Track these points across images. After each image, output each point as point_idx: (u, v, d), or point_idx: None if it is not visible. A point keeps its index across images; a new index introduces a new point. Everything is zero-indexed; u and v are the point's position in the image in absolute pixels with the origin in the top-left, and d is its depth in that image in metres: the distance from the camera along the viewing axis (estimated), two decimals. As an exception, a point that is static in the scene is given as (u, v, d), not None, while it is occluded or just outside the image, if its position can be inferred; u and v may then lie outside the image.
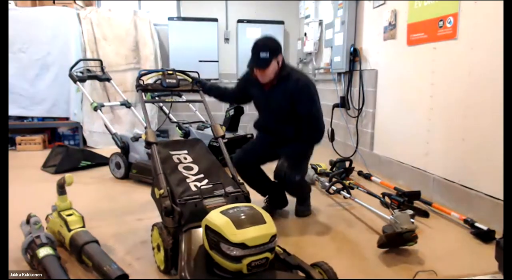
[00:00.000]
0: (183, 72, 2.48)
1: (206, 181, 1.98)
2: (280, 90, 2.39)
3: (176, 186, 1.91)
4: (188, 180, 1.96)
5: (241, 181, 2.09)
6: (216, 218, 1.51)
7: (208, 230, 1.52)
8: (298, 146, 2.48)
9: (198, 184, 1.93)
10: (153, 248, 1.96)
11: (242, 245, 1.41)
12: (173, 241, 1.76)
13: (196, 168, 2.06)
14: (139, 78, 2.29)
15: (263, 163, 2.62)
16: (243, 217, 1.50)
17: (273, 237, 1.49)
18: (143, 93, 2.31)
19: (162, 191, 1.84)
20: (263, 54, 2.26)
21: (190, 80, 2.51)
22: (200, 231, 1.61)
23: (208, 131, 4.03)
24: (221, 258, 1.47)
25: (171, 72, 2.38)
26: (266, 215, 1.55)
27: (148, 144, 2.04)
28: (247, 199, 1.94)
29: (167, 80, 2.33)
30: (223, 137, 2.28)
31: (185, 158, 2.11)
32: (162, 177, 1.90)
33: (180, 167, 2.04)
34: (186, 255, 1.61)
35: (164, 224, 1.84)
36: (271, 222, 1.52)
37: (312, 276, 1.51)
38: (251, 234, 1.44)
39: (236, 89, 2.66)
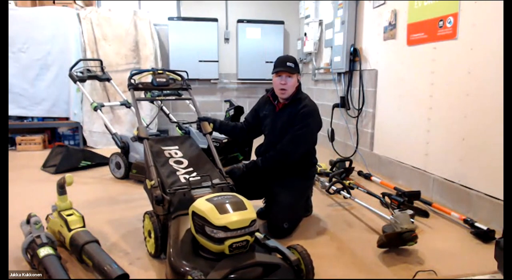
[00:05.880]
0: (172, 71, 2.64)
1: (195, 174, 2.14)
2: (288, 112, 2.41)
3: (167, 177, 2.06)
4: (178, 173, 2.12)
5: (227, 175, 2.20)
6: (202, 204, 1.66)
7: (195, 215, 1.66)
8: (294, 180, 2.39)
9: (187, 176, 2.07)
10: (145, 237, 2.11)
11: (224, 228, 1.56)
12: (163, 227, 1.92)
13: (185, 162, 2.22)
14: (130, 77, 2.43)
15: (249, 186, 2.38)
16: (226, 203, 1.65)
17: (253, 221, 1.63)
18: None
19: (153, 182, 1.98)
20: (289, 64, 2.36)
21: (180, 79, 2.65)
22: (188, 218, 1.73)
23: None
24: (205, 240, 1.61)
25: (161, 71, 2.53)
26: (247, 203, 1.69)
27: (140, 139, 2.20)
28: (232, 190, 2.07)
29: (157, 79, 2.48)
30: (210, 133, 2.42)
31: (176, 153, 2.28)
32: (153, 169, 2.04)
33: (171, 161, 2.20)
34: (174, 239, 1.75)
35: (155, 212, 1.99)
36: (252, 208, 1.67)
37: (288, 257, 1.66)
38: (233, 218, 1.58)
39: (248, 116, 2.65)
